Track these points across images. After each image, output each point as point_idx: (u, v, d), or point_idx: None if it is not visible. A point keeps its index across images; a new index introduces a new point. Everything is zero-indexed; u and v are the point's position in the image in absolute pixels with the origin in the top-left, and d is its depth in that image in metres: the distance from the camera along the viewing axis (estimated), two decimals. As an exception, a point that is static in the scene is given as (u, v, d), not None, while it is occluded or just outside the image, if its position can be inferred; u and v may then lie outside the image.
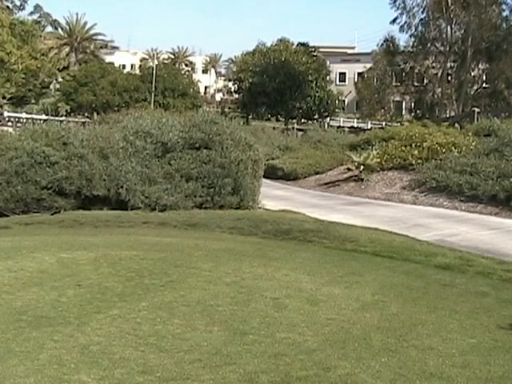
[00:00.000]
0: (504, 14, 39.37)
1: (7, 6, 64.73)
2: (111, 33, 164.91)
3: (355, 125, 46.76)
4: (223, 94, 76.77)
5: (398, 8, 40.59)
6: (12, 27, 53.43)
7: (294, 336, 4.45)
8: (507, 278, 7.24)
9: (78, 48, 71.11)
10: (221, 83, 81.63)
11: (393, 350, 3.90)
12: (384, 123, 41.25)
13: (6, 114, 51.81)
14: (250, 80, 46.50)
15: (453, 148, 18.13)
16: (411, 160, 18.39)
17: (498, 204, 14.25)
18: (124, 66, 74.12)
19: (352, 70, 56.73)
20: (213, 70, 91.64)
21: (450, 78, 41.22)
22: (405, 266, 7.49)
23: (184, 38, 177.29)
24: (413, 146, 19.10)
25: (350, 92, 54.38)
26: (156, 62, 60.98)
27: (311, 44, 50.72)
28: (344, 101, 55.85)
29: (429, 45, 40.69)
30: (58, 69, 65.29)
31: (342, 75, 58.48)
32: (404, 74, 43.31)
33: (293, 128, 37.70)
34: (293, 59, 46.38)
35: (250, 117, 46.98)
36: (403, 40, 43.00)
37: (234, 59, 69.45)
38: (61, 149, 13.09)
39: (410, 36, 41.25)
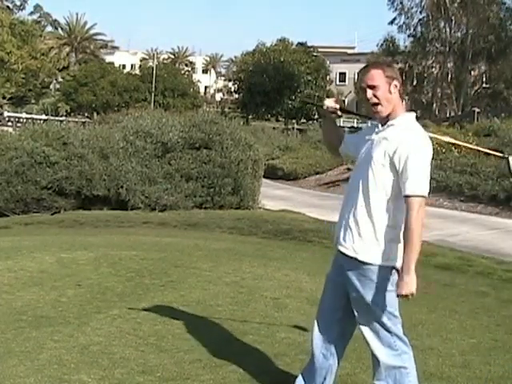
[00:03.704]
0: (502, 14, 39.35)
1: (7, 6, 64.77)
2: (111, 33, 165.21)
3: (355, 125, 46.78)
4: (223, 94, 76.72)
5: (396, 9, 40.63)
6: (12, 27, 53.44)
7: (294, 336, 4.45)
8: (507, 278, 7.24)
9: (78, 48, 71.16)
10: (221, 83, 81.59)
11: (393, 350, 3.89)
12: (384, 123, 41.21)
13: (5, 113, 51.82)
14: (250, 80, 46.51)
15: (453, 148, 18.13)
16: (411, 160, 18.38)
17: (498, 204, 14.27)
18: (124, 66, 74.13)
19: (352, 70, 56.65)
20: (213, 70, 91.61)
21: (449, 78, 41.23)
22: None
23: (184, 38, 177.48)
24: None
25: (350, 92, 54.32)
26: (156, 61, 60.98)
27: (311, 44, 50.78)
28: (344, 101, 55.84)
29: (428, 45, 40.68)
30: (58, 69, 65.33)
31: (342, 75, 58.48)
32: (403, 74, 43.33)
33: (293, 128, 37.70)
34: (292, 59, 46.38)
35: (249, 117, 46.99)
36: (403, 40, 43.07)
37: (233, 59, 69.49)
38: (61, 149, 13.10)
39: (409, 36, 41.31)
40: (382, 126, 3.08)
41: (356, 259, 3.01)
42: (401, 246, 2.99)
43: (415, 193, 2.88)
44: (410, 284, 2.86)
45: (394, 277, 3.00)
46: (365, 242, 2.98)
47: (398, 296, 2.92)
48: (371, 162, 3.01)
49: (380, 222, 2.96)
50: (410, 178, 2.89)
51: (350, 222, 3.04)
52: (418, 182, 2.90)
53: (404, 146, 2.93)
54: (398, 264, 2.99)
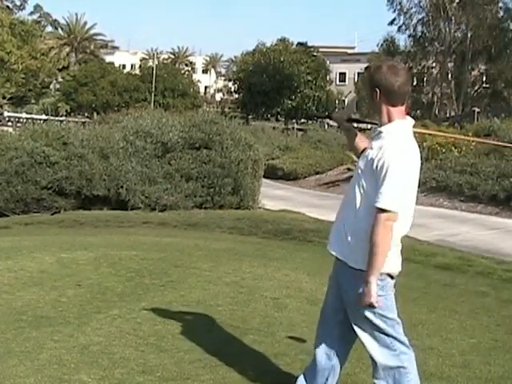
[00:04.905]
0: (501, 14, 39.35)
1: (7, 6, 64.77)
2: (111, 33, 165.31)
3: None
4: (223, 94, 76.73)
5: (395, 9, 40.62)
6: (12, 27, 53.45)
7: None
8: (507, 277, 7.24)
9: (78, 48, 71.17)
10: (221, 83, 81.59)
11: (393, 350, 3.88)
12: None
13: (6, 113, 51.79)
14: (250, 80, 46.50)
15: (453, 148, 18.12)
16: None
17: (498, 204, 14.26)
18: (124, 66, 74.15)
19: (352, 70, 56.62)
20: (213, 70, 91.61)
21: (449, 78, 41.20)
22: (405, 265, 7.48)
23: (184, 38, 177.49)
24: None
25: (350, 92, 54.31)
26: (156, 61, 60.98)
27: (311, 44, 50.78)
28: (344, 101, 55.84)
29: (427, 45, 40.66)
30: (58, 69, 65.33)
31: (342, 75, 58.39)
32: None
33: (293, 128, 37.67)
34: (292, 59, 46.37)
35: (249, 117, 46.97)
36: (403, 40, 43.05)
37: (233, 59, 69.46)
38: (61, 149, 13.09)
39: (409, 36, 41.30)
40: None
41: (346, 264, 3.04)
42: (389, 252, 2.98)
43: (384, 207, 2.86)
44: (368, 295, 2.87)
45: (385, 281, 3.00)
46: (352, 248, 3.00)
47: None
48: (359, 170, 3.05)
49: (366, 230, 2.94)
50: (383, 190, 2.87)
51: (340, 228, 3.08)
52: (390, 196, 2.86)
53: (382, 153, 2.91)
54: (388, 269, 2.99)
